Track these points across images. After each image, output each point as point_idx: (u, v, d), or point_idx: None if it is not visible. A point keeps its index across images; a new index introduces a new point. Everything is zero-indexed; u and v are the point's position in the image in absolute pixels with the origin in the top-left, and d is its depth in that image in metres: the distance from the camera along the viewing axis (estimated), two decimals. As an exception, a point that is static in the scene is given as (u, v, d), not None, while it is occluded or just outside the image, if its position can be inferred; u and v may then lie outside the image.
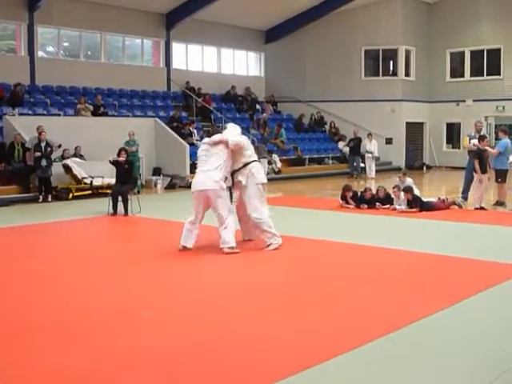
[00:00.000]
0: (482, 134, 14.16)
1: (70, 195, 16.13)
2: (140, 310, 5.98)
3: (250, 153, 9.07)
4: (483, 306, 6.17)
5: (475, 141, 13.72)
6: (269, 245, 8.85)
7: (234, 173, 8.92)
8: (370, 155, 23.38)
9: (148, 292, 6.75)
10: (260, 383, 4.27)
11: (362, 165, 23.61)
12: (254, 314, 5.87)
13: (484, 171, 13.14)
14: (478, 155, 13.16)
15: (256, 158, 9.22)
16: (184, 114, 23.70)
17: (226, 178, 8.74)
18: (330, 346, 4.97)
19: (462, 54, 27.29)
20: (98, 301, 6.42)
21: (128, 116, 21.50)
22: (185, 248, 8.67)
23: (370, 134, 23.96)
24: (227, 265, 8.25)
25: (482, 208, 13.08)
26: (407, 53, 27.30)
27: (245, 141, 9.17)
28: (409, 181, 13.61)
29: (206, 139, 9.07)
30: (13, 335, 5.28)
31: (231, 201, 9.08)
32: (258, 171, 9.06)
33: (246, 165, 8.88)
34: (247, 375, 4.41)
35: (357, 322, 5.59)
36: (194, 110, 24.36)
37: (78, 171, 16.65)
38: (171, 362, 4.63)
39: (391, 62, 27.84)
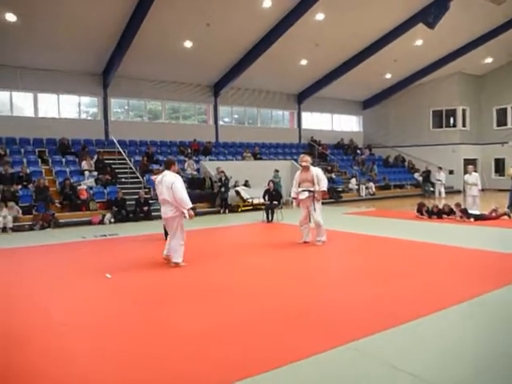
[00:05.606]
0: None
1: (239, 209, 16.68)
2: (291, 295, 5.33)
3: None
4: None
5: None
6: (319, 239, 8.79)
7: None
8: (439, 182, 22.16)
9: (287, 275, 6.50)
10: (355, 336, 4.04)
11: (432, 189, 22.38)
12: (340, 287, 5.59)
13: None
14: None
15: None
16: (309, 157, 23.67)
17: None
18: (407, 311, 4.59)
19: (505, 109, 25.02)
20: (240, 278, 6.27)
21: (274, 159, 21.93)
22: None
23: (440, 168, 22.73)
24: (319, 252, 8.10)
25: None
26: (463, 111, 25.47)
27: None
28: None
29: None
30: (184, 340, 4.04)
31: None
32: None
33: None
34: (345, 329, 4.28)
35: (428, 294, 5.17)
36: (316, 154, 24.37)
37: (244, 194, 17.22)
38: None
39: (451, 118, 26.09)
